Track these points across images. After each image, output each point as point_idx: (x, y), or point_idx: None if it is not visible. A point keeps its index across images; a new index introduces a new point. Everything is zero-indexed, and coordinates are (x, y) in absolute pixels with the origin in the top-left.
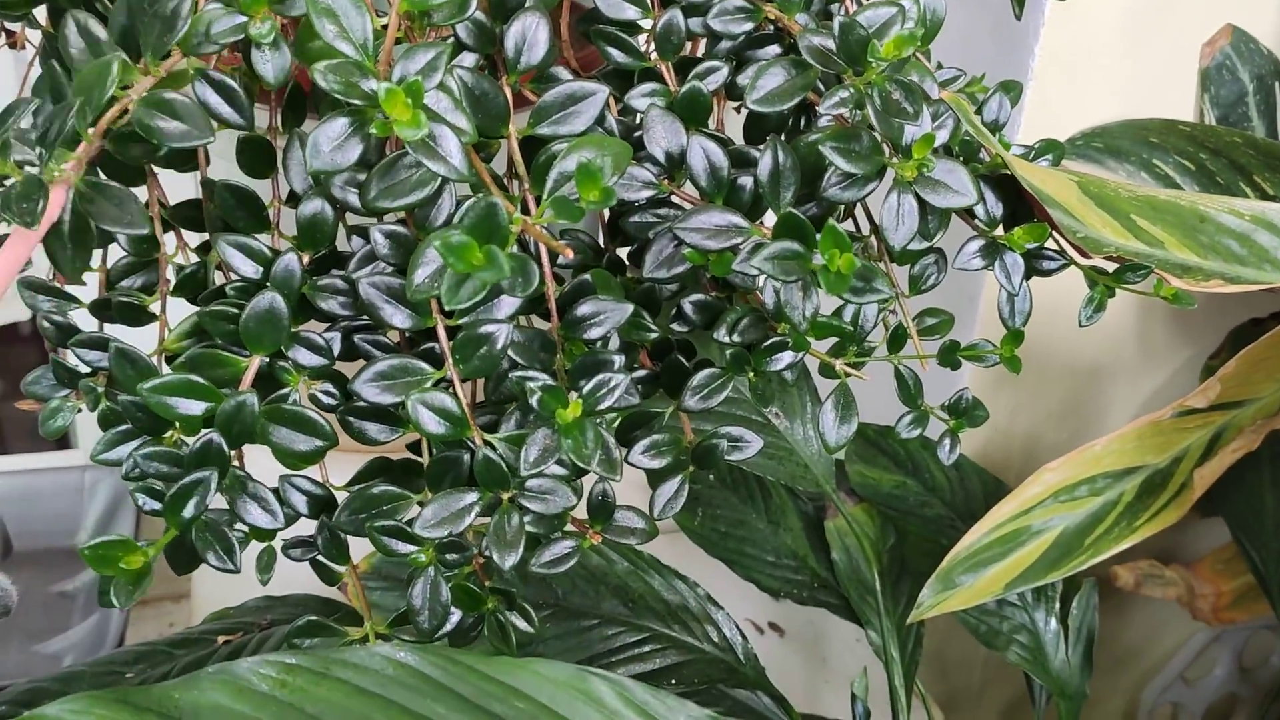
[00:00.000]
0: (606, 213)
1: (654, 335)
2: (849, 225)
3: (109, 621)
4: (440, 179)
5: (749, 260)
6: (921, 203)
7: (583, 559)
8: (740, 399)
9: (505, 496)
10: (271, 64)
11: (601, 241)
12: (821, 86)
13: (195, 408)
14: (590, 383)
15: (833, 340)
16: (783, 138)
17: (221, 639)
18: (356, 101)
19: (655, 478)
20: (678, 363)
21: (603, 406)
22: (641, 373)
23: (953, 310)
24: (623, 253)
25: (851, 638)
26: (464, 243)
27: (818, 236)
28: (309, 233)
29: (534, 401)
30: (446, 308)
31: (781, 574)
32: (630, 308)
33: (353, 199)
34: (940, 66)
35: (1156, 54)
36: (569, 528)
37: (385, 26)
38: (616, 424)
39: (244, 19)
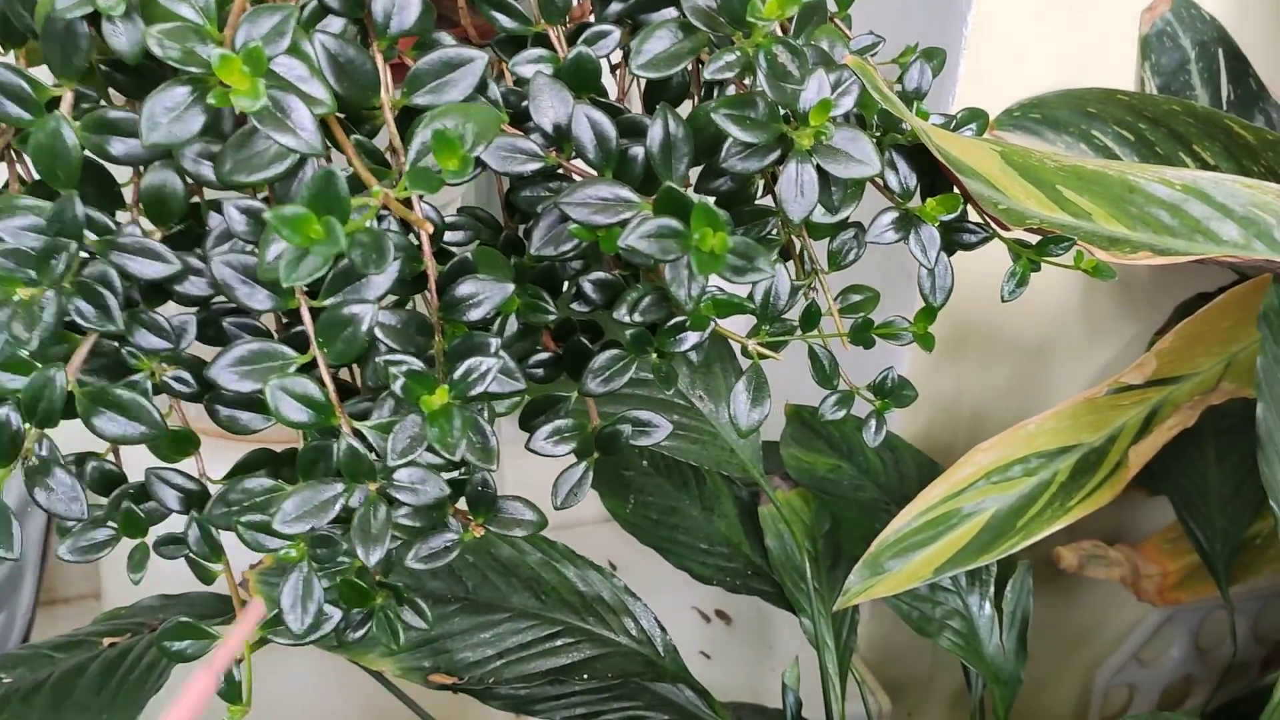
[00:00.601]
0: (504, 188)
1: (553, 316)
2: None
3: (14, 619)
4: (299, 155)
5: (630, 237)
6: (823, 173)
7: (493, 550)
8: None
9: (373, 488)
10: (125, 37)
11: (502, 220)
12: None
13: (11, 381)
14: (461, 368)
15: (753, 322)
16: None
17: (107, 641)
18: (195, 69)
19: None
20: (581, 345)
21: (475, 393)
22: (544, 355)
23: (892, 288)
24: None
25: (799, 625)
26: (299, 215)
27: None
28: (156, 207)
29: (398, 388)
30: (284, 284)
31: (714, 561)
32: (510, 287)
33: (207, 172)
34: (872, 37)
35: (1097, 22)
36: (452, 520)
37: None
38: (520, 409)
39: None
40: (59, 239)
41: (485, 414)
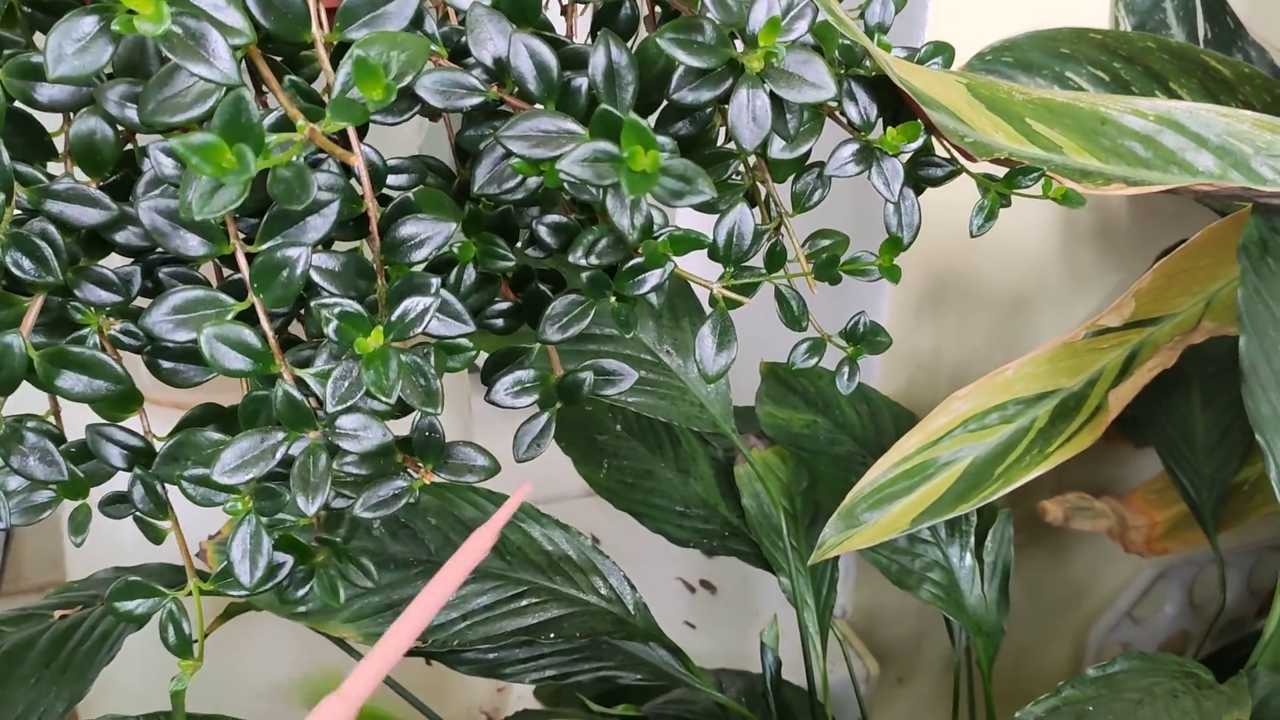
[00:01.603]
0: (454, 133)
1: (510, 263)
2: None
3: None
4: (225, 89)
5: (564, 163)
6: (777, 100)
7: (456, 511)
8: (630, 338)
9: (313, 436)
10: None
11: (454, 168)
12: None
13: None
14: (398, 309)
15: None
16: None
17: (59, 613)
18: None
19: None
20: (540, 292)
21: (414, 333)
22: (504, 305)
23: (864, 240)
24: None
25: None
26: (208, 144)
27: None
28: (87, 155)
29: (331, 331)
30: (196, 217)
31: (691, 524)
32: (453, 226)
33: (132, 115)
34: None
35: None
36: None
37: None
38: (481, 359)
39: None
40: None
41: (431, 359)
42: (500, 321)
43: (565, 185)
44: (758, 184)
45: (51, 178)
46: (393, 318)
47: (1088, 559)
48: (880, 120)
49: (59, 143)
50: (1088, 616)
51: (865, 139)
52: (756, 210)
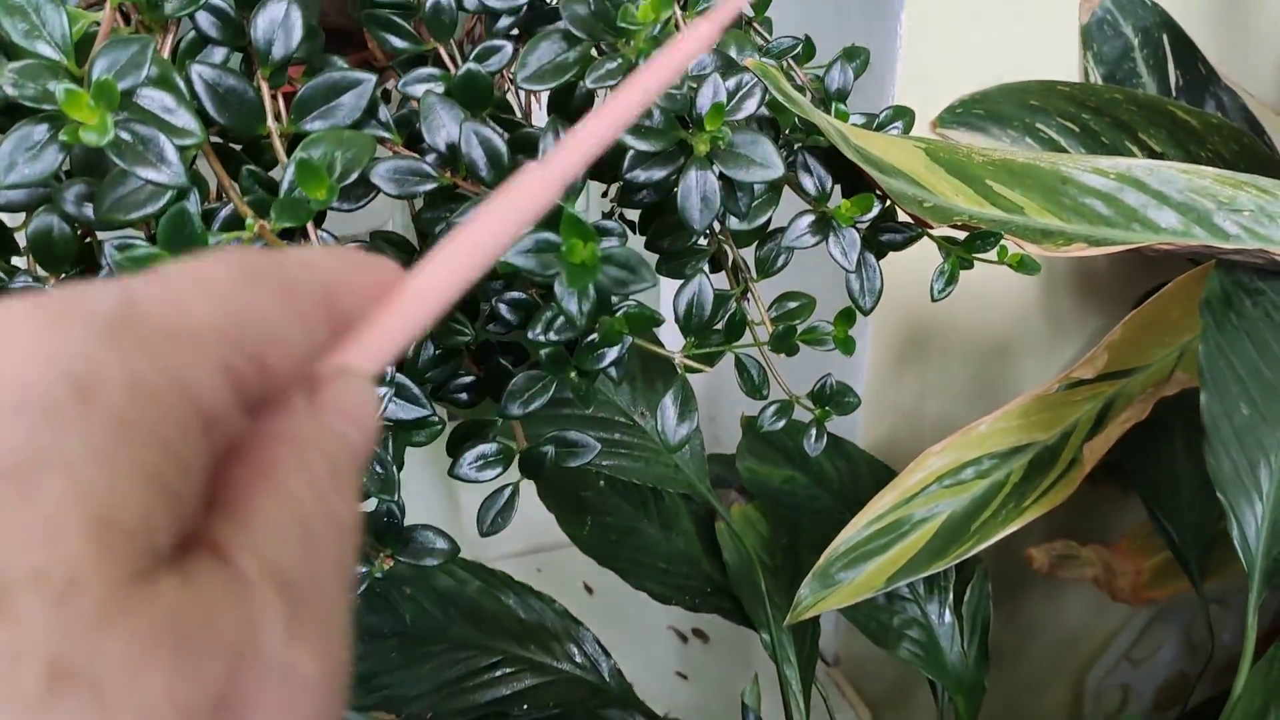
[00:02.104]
0: (414, 210)
1: (467, 338)
2: None
3: None
4: (174, 190)
5: (511, 254)
6: (726, 179)
7: (432, 580)
8: (604, 401)
9: None
10: None
11: (415, 243)
12: None
13: None
14: None
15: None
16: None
17: None
18: (50, 107)
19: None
20: (501, 366)
21: None
22: (466, 379)
23: (839, 294)
24: None
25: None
26: (150, 255)
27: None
28: (44, 252)
29: None
30: None
31: (674, 580)
32: None
33: (89, 213)
34: (792, 39)
35: (1035, 14)
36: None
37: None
38: (446, 435)
39: None
40: None
41: (390, 445)
42: (464, 396)
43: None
44: (724, 247)
45: (14, 271)
46: None
47: (1083, 601)
48: (839, 187)
49: (20, 237)
50: (1085, 659)
51: (822, 209)
52: (723, 274)
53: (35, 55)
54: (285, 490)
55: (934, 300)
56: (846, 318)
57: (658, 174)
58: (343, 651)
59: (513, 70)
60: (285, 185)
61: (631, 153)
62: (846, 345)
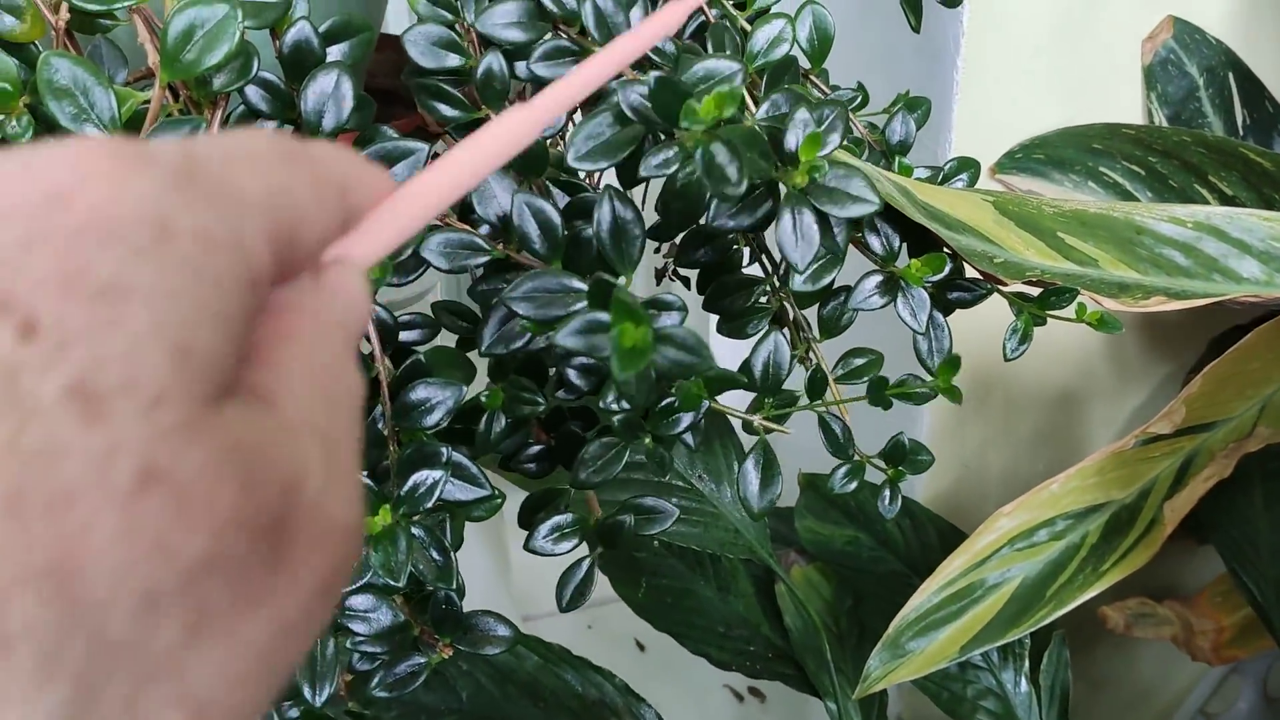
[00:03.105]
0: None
1: (539, 408)
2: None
3: None
4: None
5: (560, 335)
6: (821, 217)
7: (489, 657)
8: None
9: None
10: None
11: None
12: None
13: None
14: (408, 483)
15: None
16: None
17: None
18: None
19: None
20: (572, 433)
21: (424, 508)
22: (537, 448)
23: (899, 347)
24: None
25: None
26: None
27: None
28: None
29: None
30: None
31: (733, 645)
32: (462, 389)
33: None
34: (852, 90)
35: (1095, 54)
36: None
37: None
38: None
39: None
40: None
41: (446, 526)
42: (534, 465)
43: None
44: (784, 304)
45: None
46: (401, 492)
47: (1156, 654)
48: (905, 246)
49: None
50: (1159, 714)
51: (890, 269)
52: (785, 331)
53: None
54: (311, 355)
55: (1007, 360)
56: (951, 365)
57: (746, 220)
58: (359, 513)
59: (564, 142)
60: None
61: (716, 201)
62: (952, 394)
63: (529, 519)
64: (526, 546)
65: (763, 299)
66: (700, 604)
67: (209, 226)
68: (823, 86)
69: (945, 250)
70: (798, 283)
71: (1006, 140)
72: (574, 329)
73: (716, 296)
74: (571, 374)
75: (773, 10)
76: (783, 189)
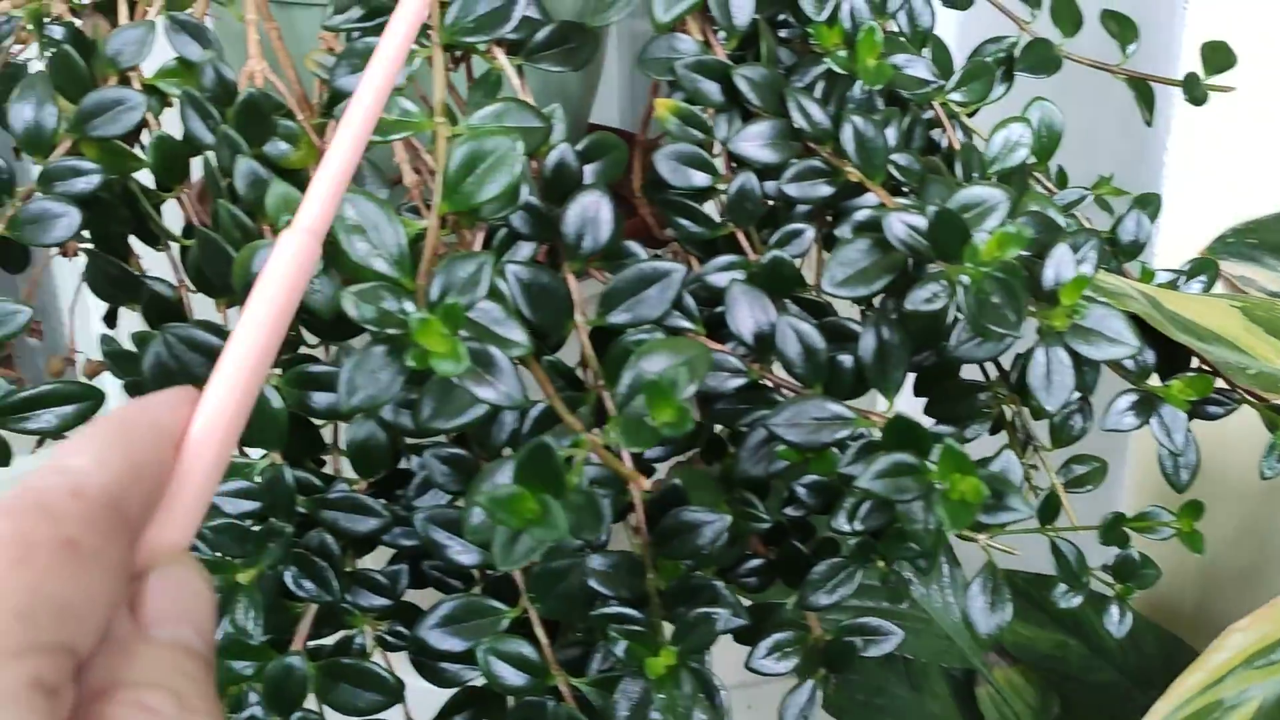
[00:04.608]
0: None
1: (765, 525)
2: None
3: None
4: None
5: (860, 474)
6: (1074, 356)
7: None
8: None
9: None
10: (321, 294)
11: (696, 415)
12: None
13: (245, 668)
14: (688, 620)
15: None
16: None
17: None
18: (391, 330)
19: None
20: (795, 549)
21: (703, 647)
22: (756, 563)
23: (1093, 444)
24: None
25: None
26: (513, 495)
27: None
28: (361, 459)
29: (620, 651)
30: (500, 568)
31: None
32: (728, 519)
33: (406, 421)
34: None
35: None
36: None
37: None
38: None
39: None
40: (275, 523)
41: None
42: (754, 580)
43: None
44: (1003, 408)
45: (325, 479)
46: (682, 632)
47: None
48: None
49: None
50: None
51: (1145, 388)
52: (1003, 434)
53: (372, 273)
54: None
55: (1264, 479)
56: (1193, 510)
57: (988, 351)
58: None
59: (822, 271)
60: (621, 397)
61: (963, 326)
62: (1194, 541)
63: (750, 636)
64: (748, 665)
65: (982, 395)
66: (894, 704)
67: None
68: (1046, 182)
69: (1200, 365)
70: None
71: (1217, 225)
72: (879, 471)
73: (938, 400)
74: (802, 491)
75: (984, 101)
76: (1034, 323)
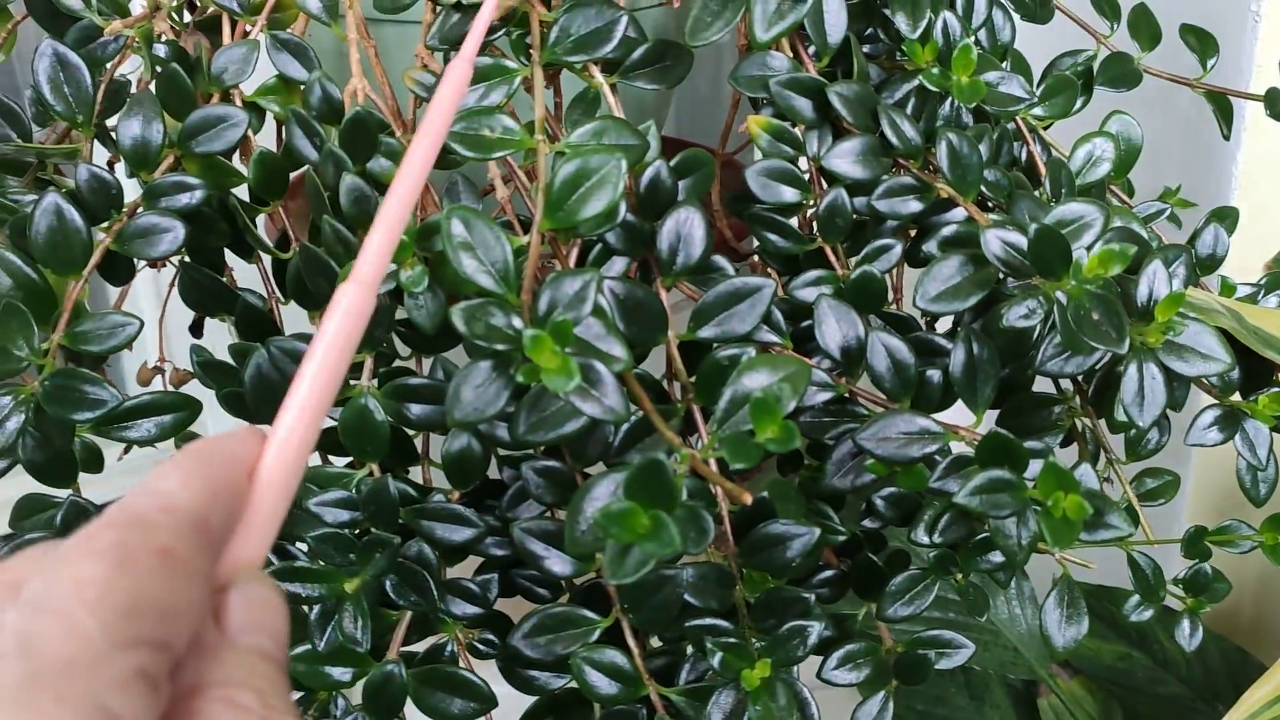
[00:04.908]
0: None
1: (843, 538)
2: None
3: None
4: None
5: (955, 491)
6: (1166, 372)
7: None
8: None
9: None
10: (425, 310)
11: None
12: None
13: (342, 674)
14: (781, 632)
15: None
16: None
17: None
18: (500, 346)
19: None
20: (869, 560)
21: (797, 658)
22: (829, 573)
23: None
24: None
25: None
26: (626, 510)
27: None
28: (456, 470)
29: (715, 662)
30: (611, 582)
31: None
32: (817, 532)
33: (501, 433)
34: (1158, 204)
35: None
36: None
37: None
38: None
39: (393, 266)
40: (380, 533)
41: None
42: (826, 590)
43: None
44: (1076, 420)
45: (422, 490)
46: (776, 644)
47: None
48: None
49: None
50: None
51: (1229, 403)
52: (1074, 445)
53: (478, 288)
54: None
55: None
56: (1276, 524)
57: (1076, 366)
58: None
59: (915, 289)
60: (722, 412)
61: (1049, 344)
62: (1276, 554)
63: (822, 646)
64: (819, 675)
65: (1056, 408)
66: (953, 713)
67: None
68: (1122, 195)
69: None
70: (1120, 414)
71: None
72: (976, 487)
73: (1012, 413)
74: (880, 504)
75: (1066, 115)
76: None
